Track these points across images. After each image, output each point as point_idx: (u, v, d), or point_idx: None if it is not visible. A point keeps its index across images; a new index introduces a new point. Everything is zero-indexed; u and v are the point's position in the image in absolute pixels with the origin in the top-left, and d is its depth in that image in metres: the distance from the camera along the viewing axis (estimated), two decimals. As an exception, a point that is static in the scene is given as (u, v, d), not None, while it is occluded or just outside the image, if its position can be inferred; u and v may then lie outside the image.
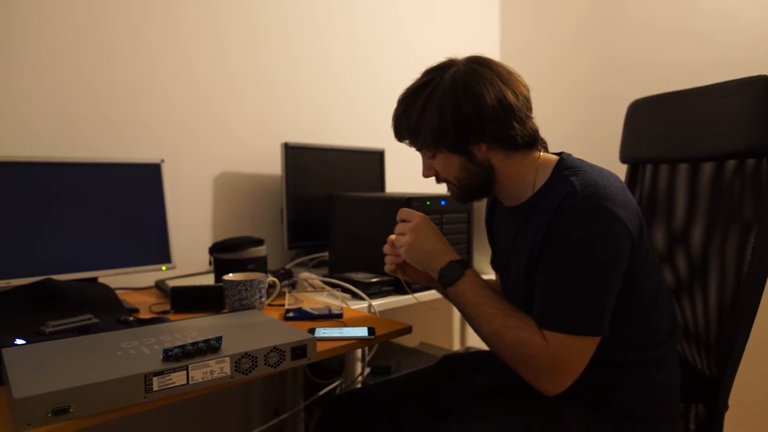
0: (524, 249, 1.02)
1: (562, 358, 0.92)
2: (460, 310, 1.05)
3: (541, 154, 1.05)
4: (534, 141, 1.02)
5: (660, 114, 1.28)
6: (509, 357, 0.97)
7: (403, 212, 1.13)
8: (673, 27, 2.20)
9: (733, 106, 1.09)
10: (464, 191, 1.07)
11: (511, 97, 0.98)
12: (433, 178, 1.11)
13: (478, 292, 1.01)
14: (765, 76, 1.02)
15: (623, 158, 1.39)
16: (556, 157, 1.03)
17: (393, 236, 1.14)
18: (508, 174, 1.03)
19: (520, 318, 0.96)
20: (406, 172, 2.21)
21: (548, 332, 0.92)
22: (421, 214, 1.11)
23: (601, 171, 0.98)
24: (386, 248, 1.16)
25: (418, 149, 1.08)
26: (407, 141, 1.08)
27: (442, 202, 1.61)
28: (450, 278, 1.04)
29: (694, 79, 1.26)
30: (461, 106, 0.97)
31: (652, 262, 1.00)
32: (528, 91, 1.03)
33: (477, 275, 1.04)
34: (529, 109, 1.02)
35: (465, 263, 1.05)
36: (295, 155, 1.83)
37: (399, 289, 1.47)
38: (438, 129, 0.99)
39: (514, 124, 0.98)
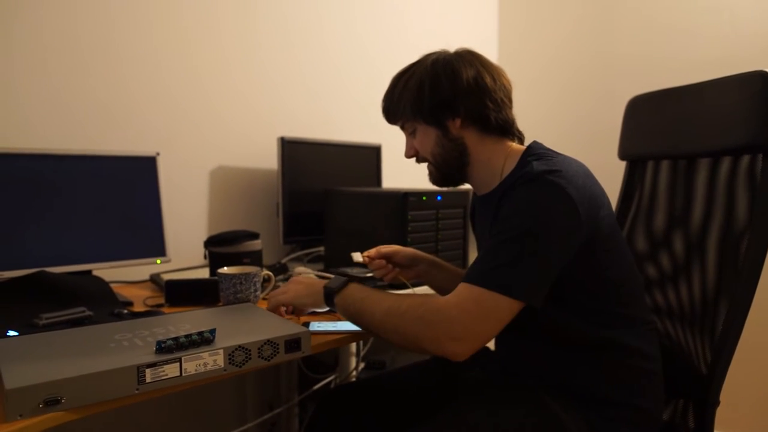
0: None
1: (467, 308, 0.89)
2: (351, 315, 1.02)
3: (513, 144, 1.09)
4: (508, 127, 1.08)
5: (658, 110, 1.28)
6: (407, 325, 0.92)
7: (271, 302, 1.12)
8: (672, 24, 2.20)
9: (731, 102, 1.08)
10: (439, 170, 1.11)
11: (488, 79, 1.05)
12: (427, 173, 1.15)
13: (364, 289, 1.03)
14: (762, 71, 1.01)
15: (622, 155, 1.39)
16: (525, 147, 1.07)
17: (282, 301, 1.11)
18: (479, 158, 1.08)
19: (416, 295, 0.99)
20: (403, 168, 2.21)
21: (463, 284, 0.91)
22: (278, 293, 1.11)
23: (568, 158, 1.00)
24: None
25: (401, 126, 1.15)
26: (392, 118, 1.15)
27: (438, 198, 1.61)
28: (336, 286, 1.04)
29: (693, 75, 1.25)
30: (438, 78, 1.05)
31: (617, 254, 1.01)
32: (509, 85, 1.10)
33: (357, 287, 1.04)
34: (509, 99, 1.09)
35: (341, 283, 1.05)
36: (292, 149, 1.82)
37: (393, 283, 1.47)
38: (416, 98, 1.07)
39: (488, 103, 1.05)
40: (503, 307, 0.89)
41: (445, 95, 1.05)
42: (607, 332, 0.99)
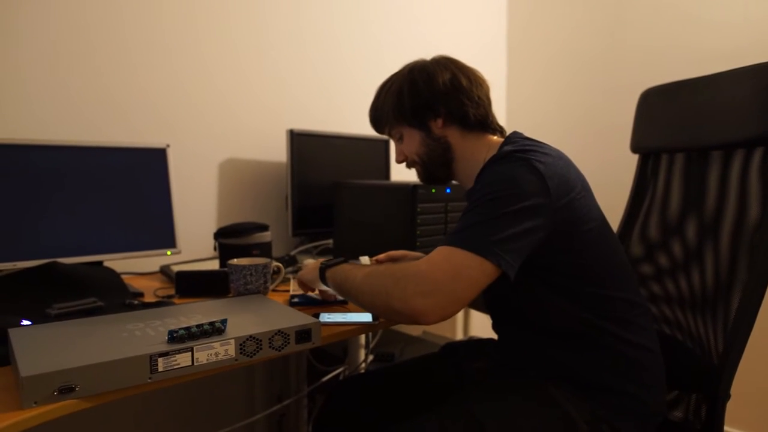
0: None
1: (437, 265, 0.89)
2: (338, 285, 1.07)
3: (495, 138, 1.13)
4: (488, 123, 1.13)
5: (672, 103, 1.27)
6: (380, 282, 0.94)
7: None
8: (683, 15, 2.18)
9: (744, 93, 1.07)
10: (426, 168, 1.17)
11: (463, 80, 1.11)
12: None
13: (355, 264, 1.08)
14: (776, 63, 1.01)
15: (634, 148, 1.38)
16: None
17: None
18: (463, 153, 1.13)
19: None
20: (412, 161, 2.21)
21: (436, 248, 0.93)
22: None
23: (542, 144, 1.02)
24: None
25: (389, 133, 1.22)
26: (378, 126, 1.23)
27: (447, 190, 1.61)
28: (330, 263, 1.11)
29: (705, 67, 1.24)
30: (416, 83, 1.12)
31: (600, 239, 1.00)
32: (486, 84, 1.15)
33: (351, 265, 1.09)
34: (486, 97, 1.14)
35: (335, 263, 1.11)
36: (301, 142, 1.82)
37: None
38: (397, 103, 1.14)
39: (466, 101, 1.10)
40: (473, 267, 0.88)
41: (424, 98, 1.11)
42: (600, 319, 0.99)
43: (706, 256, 1.16)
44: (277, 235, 1.84)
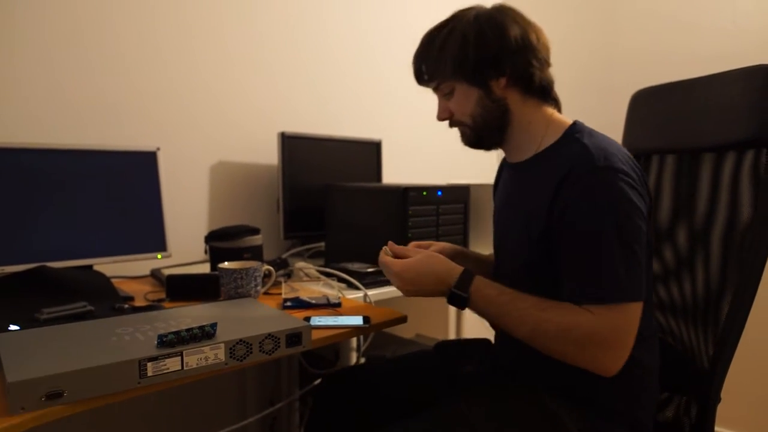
0: (522, 206, 1.02)
1: (615, 329, 0.88)
2: (491, 322, 1.01)
3: (554, 112, 1.06)
4: (549, 89, 1.05)
5: (662, 104, 1.27)
6: (559, 348, 0.91)
7: (380, 264, 1.07)
8: (673, 18, 2.19)
9: (734, 96, 1.08)
10: (477, 132, 1.05)
11: (533, 37, 1.01)
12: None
13: (497, 301, 0.96)
14: (765, 65, 1.01)
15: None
16: (569, 121, 1.04)
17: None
18: (520, 120, 1.04)
19: (554, 307, 0.92)
20: (403, 163, 2.21)
21: (593, 307, 0.89)
22: (392, 268, 1.03)
23: (612, 141, 0.99)
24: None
25: (436, 87, 1.08)
26: (426, 77, 1.08)
27: (438, 193, 1.61)
28: (460, 303, 0.98)
29: (694, 70, 1.25)
30: (485, 33, 0.99)
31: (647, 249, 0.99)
32: (549, 49, 1.06)
33: (485, 285, 0.97)
34: (548, 59, 1.05)
35: (467, 281, 0.97)
36: (292, 145, 1.82)
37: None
38: (459, 55, 1.00)
39: (534, 62, 1.00)
40: (636, 312, 0.90)
41: (492, 52, 0.98)
42: None
43: (697, 259, 1.16)
44: (268, 238, 1.83)
